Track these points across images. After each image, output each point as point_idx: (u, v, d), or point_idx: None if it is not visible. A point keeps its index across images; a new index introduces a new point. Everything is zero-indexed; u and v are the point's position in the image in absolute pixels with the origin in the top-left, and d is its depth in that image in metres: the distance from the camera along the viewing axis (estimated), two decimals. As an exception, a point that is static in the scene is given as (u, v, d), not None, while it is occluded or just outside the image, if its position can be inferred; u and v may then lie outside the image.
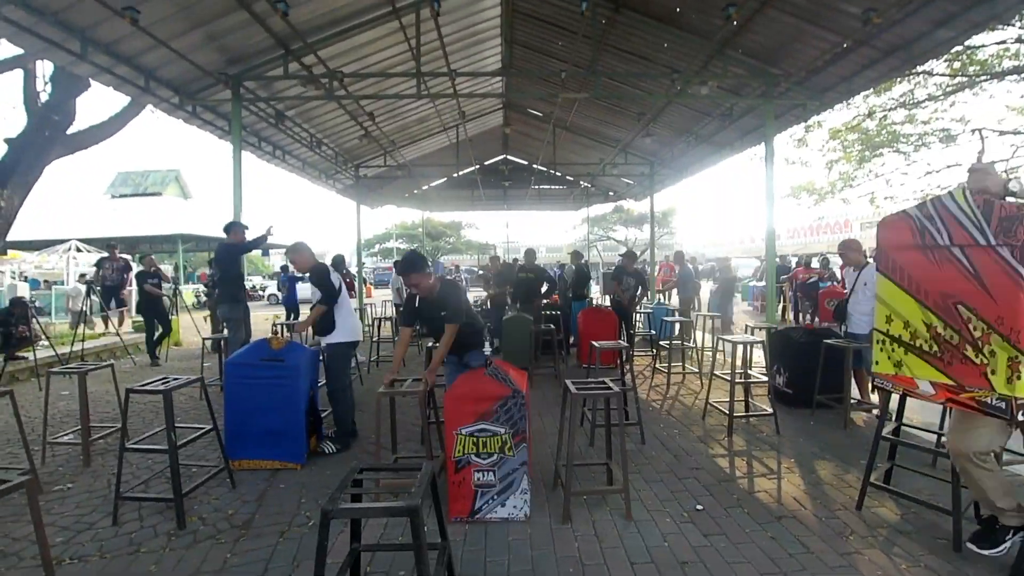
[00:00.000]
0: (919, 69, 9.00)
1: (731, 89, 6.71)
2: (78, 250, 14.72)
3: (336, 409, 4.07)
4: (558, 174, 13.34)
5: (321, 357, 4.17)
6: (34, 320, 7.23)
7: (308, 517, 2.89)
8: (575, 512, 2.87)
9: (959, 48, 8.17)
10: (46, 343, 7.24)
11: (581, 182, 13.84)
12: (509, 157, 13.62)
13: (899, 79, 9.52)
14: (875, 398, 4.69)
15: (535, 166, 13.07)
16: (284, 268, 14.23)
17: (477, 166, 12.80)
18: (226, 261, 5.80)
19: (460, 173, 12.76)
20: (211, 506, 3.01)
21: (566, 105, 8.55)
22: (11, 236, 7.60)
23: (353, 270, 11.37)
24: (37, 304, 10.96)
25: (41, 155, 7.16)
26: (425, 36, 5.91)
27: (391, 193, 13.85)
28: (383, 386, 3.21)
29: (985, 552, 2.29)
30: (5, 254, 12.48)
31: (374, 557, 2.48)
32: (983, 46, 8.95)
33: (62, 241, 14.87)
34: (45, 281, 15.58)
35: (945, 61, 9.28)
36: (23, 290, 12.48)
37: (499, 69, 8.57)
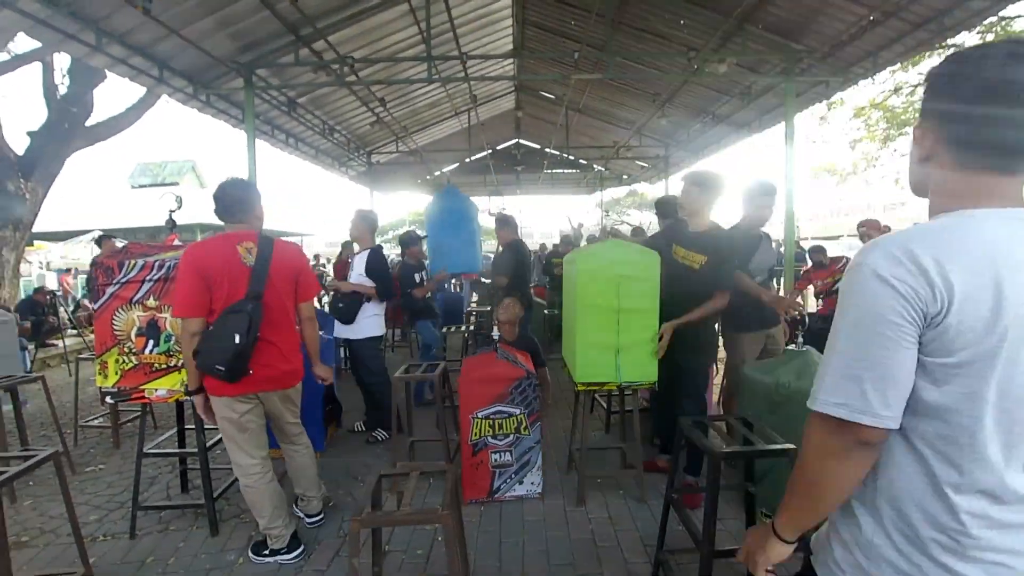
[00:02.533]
0: (950, 42, 8.61)
1: (750, 67, 6.51)
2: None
3: (375, 401, 3.89)
4: (571, 158, 13.17)
5: (341, 345, 4.09)
6: (62, 309, 7.47)
7: (328, 498, 2.96)
8: (589, 495, 2.90)
9: (993, 19, 7.79)
10: (73, 331, 7.48)
11: (594, 165, 13.66)
12: (521, 141, 13.48)
13: (928, 53, 9.13)
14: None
15: (548, 150, 12.92)
16: None
17: (489, 151, 12.70)
18: None
19: (472, 158, 12.68)
20: (234, 487, 3.10)
21: (579, 87, 8.39)
22: (36, 227, 7.80)
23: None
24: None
25: (62, 147, 7.30)
26: (435, 19, 5.82)
27: (404, 179, 13.84)
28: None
29: None
30: (32, 245, 12.83)
31: (393, 533, 2.55)
32: (1019, 16, 8.53)
33: (86, 231, 15.21)
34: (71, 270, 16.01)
35: (978, 33, 8.85)
36: (51, 280, 12.85)
37: (511, 51, 8.43)
